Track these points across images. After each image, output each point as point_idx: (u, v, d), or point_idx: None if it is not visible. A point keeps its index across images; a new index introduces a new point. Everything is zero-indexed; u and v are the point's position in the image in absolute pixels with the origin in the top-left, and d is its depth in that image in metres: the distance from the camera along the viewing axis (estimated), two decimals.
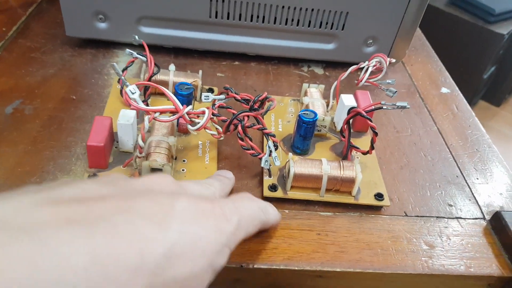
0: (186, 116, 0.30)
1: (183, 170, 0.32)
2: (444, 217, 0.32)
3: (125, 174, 0.31)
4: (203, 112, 0.30)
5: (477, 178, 0.36)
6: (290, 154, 0.32)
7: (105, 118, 0.32)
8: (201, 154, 0.34)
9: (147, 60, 0.35)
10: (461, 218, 0.32)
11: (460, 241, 0.30)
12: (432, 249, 0.29)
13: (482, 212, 0.33)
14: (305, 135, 0.33)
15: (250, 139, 0.32)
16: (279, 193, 0.31)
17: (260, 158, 0.31)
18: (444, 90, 0.46)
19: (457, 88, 0.47)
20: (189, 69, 0.45)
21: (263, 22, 0.44)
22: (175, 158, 0.33)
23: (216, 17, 0.43)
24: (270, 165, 0.32)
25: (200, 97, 0.37)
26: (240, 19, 0.43)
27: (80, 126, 0.36)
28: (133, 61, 0.35)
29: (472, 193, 0.34)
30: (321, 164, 0.31)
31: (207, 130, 0.31)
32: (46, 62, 0.44)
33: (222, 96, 0.32)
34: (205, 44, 0.46)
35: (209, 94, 0.31)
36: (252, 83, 0.44)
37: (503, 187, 0.35)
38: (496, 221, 0.31)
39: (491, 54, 1.38)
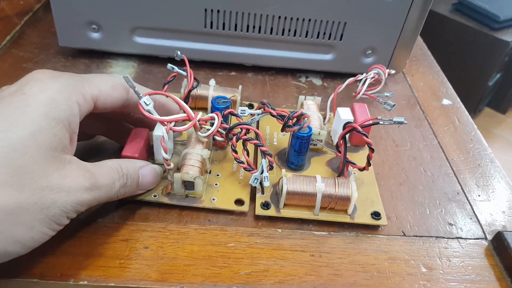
0: (197, 124, 0.30)
1: (216, 184, 0.32)
2: (444, 237, 0.31)
3: (159, 186, 0.31)
4: (213, 118, 0.30)
5: (479, 195, 0.34)
6: (283, 170, 0.31)
7: (143, 130, 0.32)
8: (235, 169, 0.33)
9: (187, 75, 0.34)
10: (461, 238, 0.31)
11: (461, 263, 0.29)
12: (431, 272, 0.28)
13: (483, 232, 0.31)
14: (299, 150, 0.32)
15: (247, 153, 0.31)
16: (271, 211, 0.30)
17: (252, 174, 0.30)
18: (445, 101, 0.45)
19: (458, 100, 0.46)
20: (186, 79, 0.44)
21: (259, 32, 0.43)
22: (209, 172, 0.32)
23: (211, 27, 0.42)
24: (261, 183, 0.30)
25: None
26: (235, 30, 0.43)
27: None
28: (174, 76, 0.35)
29: (474, 211, 0.33)
30: (315, 181, 0.30)
31: (216, 137, 0.31)
32: None
33: (259, 111, 0.32)
34: (200, 54, 0.45)
35: (246, 108, 0.32)
36: (248, 94, 0.43)
37: (506, 205, 0.34)
38: (498, 242, 0.30)
39: (496, 61, 1.36)
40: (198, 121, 0.30)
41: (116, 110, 0.29)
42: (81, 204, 0.24)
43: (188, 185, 0.30)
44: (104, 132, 0.33)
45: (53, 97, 0.24)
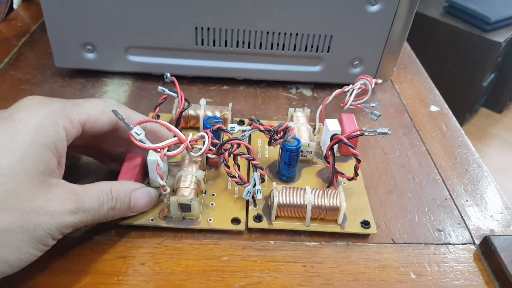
0: (189, 145, 0.30)
1: (212, 204, 0.32)
2: (432, 243, 0.31)
3: (156, 209, 0.31)
4: (203, 137, 0.31)
5: (467, 200, 0.35)
6: (274, 183, 0.32)
7: (137, 155, 0.32)
8: (230, 188, 0.34)
9: (178, 96, 0.35)
10: (450, 243, 0.32)
11: (450, 269, 0.30)
12: (420, 278, 0.29)
13: (472, 237, 0.32)
14: (289, 162, 0.33)
15: (238, 167, 0.31)
16: (264, 224, 0.31)
17: (245, 188, 0.31)
18: (433, 108, 0.46)
19: (446, 106, 0.47)
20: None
21: (249, 47, 0.44)
22: (205, 192, 0.33)
23: (202, 44, 0.43)
24: (254, 196, 0.31)
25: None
26: (226, 46, 0.44)
27: None
28: (165, 98, 0.36)
29: (462, 217, 0.34)
30: (305, 192, 0.31)
31: (208, 155, 0.32)
32: (36, 94, 0.44)
33: (248, 127, 0.33)
34: (193, 70, 0.46)
35: (235, 125, 0.33)
36: (240, 107, 0.44)
37: (494, 209, 0.35)
38: (485, 246, 0.31)
39: (489, 62, 1.38)
40: (190, 142, 0.30)
41: (106, 133, 0.30)
42: (65, 226, 0.25)
43: (185, 207, 0.30)
44: (94, 154, 0.34)
45: (40, 123, 0.25)
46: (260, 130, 0.33)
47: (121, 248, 0.29)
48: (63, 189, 0.25)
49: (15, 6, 0.63)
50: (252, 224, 0.31)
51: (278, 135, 0.33)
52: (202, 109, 0.39)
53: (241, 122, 0.41)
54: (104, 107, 0.29)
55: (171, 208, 0.30)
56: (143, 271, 0.28)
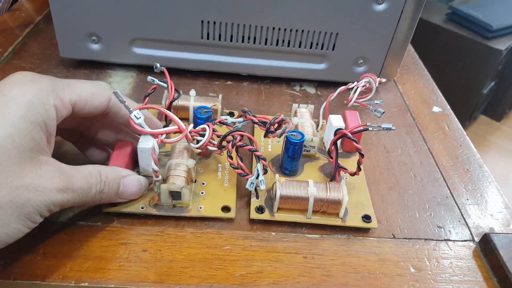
0: (189, 135, 0.31)
1: (202, 193, 0.32)
2: (432, 239, 0.32)
3: (146, 197, 0.31)
4: (204, 130, 0.31)
5: (467, 199, 0.36)
6: (277, 175, 0.32)
7: (127, 143, 0.32)
8: (220, 177, 0.34)
9: (168, 86, 0.35)
10: (450, 240, 0.32)
11: (449, 264, 0.30)
12: (420, 273, 0.29)
13: (471, 234, 0.33)
14: (292, 156, 0.33)
15: (241, 159, 0.32)
16: (266, 215, 0.31)
17: (247, 179, 0.31)
18: (435, 109, 0.46)
19: (448, 107, 0.47)
20: (182, 89, 0.45)
21: (254, 43, 0.44)
22: (195, 181, 0.33)
23: (207, 38, 0.44)
24: (257, 187, 0.32)
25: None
26: (231, 40, 0.44)
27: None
28: (155, 88, 0.36)
29: (462, 215, 0.34)
30: (308, 185, 0.31)
31: (208, 147, 0.32)
32: None
33: (240, 119, 0.33)
34: (197, 64, 0.46)
35: (228, 117, 0.33)
36: (243, 102, 0.45)
37: (494, 208, 0.35)
38: (484, 244, 0.31)
39: (490, 70, 1.38)
40: (190, 132, 0.30)
41: (95, 118, 0.30)
42: (53, 204, 0.25)
43: (175, 195, 0.30)
44: (78, 141, 0.34)
45: (31, 100, 0.25)
46: (254, 122, 0.33)
47: (123, 235, 0.29)
48: (53, 167, 0.25)
49: None
50: (254, 215, 0.31)
51: (273, 127, 0.33)
52: (192, 100, 0.39)
53: (231, 114, 0.42)
54: (96, 90, 0.28)
55: (162, 196, 0.30)
56: (144, 257, 0.28)
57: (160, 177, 0.30)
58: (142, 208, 0.31)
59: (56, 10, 0.42)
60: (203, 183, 0.33)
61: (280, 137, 0.33)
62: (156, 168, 0.29)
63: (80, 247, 0.28)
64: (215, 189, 0.33)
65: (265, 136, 0.33)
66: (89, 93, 0.28)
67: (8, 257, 0.27)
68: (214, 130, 0.32)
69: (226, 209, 0.31)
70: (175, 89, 0.36)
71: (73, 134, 0.33)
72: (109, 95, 0.29)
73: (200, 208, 0.31)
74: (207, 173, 0.34)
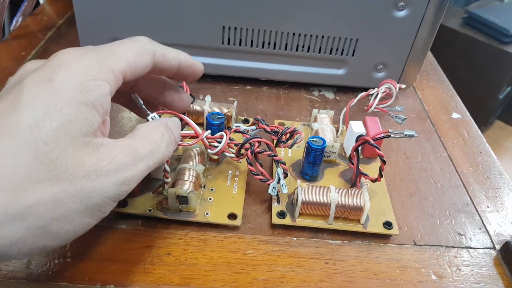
0: (205, 141, 0.31)
1: (210, 199, 0.33)
2: (453, 247, 0.32)
3: (154, 200, 0.32)
4: (221, 137, 0.31)
5: (488, 206, 0.35)
6: (299, 181, 0.32)
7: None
8: (229, 184, 0.34)
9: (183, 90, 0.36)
10: (470, 247, 0.32)
11: (470, 272, 0.30)
12: (441, 280, 0.29)
13: (492, 242, 0.32)
14: (313, 161, 0.34)
15: (261, 165, 0.32)
16: (287, 220, 0.31)
17: (269, 184, 0.32)
18: (455, 115, 0.46)
19: (468, 113, 0.47)
20: (202, 94, 0.46)
21: (274, 48, 0.44)
22: (204, 187, 0.33)
23: (228, 43, 0.44)
24: (278, 192, 0.32)
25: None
26: (252, 46, 0.44)
27: None
28: None
29: (483, 222, 0.34)
30: (329, 191, 0.31)
31: (225, 153, 0.32)
32: None
33: (253, 127, 0.34)
34: (217, 69, 0.47)
35: (240, 124, 0.33)
36: (262, 107, 0.45)
37: None
38: (506, 251, 0.31)
39: (506, 75, 1.37)
40: (207, 138, 0.31)
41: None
42: (126, 183, 0.23)
43: (182, 199, 0.30)
44: (125, 101, 0.32)
45: (80, 80, 0.23)
46: (266, 131, 0.33)
47: (148, 238, 0.30)
48: (112, 145, 0.23)
49: (41, 1, 0.64)
50: (276, 220, 0.31)
51: (285, 136, 0.33)
52: (207, 105, 0.39)
53: (246, 121, 0.42)
54: (140, 49, 0.26)
55: (169, 200, 0.30)
56: (168, 260, 0.28)
57: (169, 179, 0.31)
58: (149, 210, 0.31)
59: (80, 14, 0.43)
60: (212, 189, 0.33)
61: (291, 147, 0.33)
62: (168, 169, 0.30)
63: (106, 249, 0.29)
64: (223, 196, 0.33)
65: (275, 145, 0.33)
66: (135, 54, 0.26)
67: (36, 258, 0.28)
68: (231, 139, 0.32)
69: (232, 216, 0.32)
70: (190, 94, 0.36)
71: (118, 95, 0.29)
72: (152, 50, 0.27)
73: (207, 214, 0.31)
74: (217, 179, 0.34)
